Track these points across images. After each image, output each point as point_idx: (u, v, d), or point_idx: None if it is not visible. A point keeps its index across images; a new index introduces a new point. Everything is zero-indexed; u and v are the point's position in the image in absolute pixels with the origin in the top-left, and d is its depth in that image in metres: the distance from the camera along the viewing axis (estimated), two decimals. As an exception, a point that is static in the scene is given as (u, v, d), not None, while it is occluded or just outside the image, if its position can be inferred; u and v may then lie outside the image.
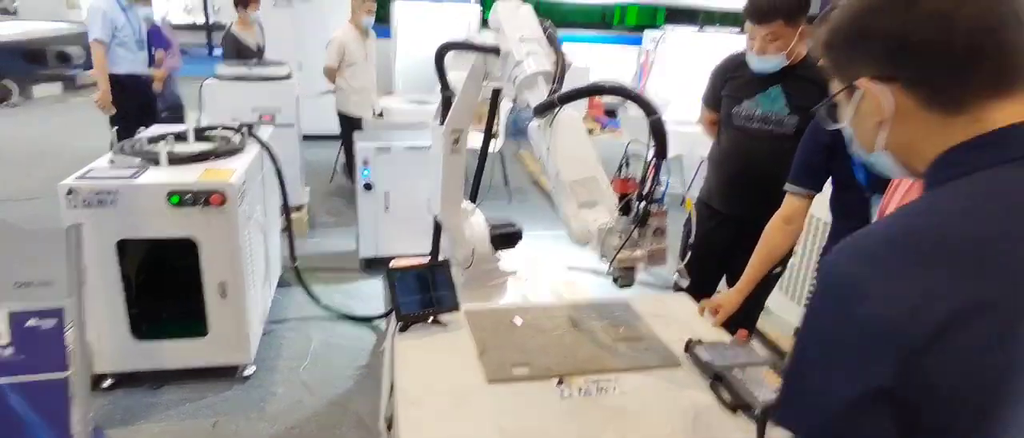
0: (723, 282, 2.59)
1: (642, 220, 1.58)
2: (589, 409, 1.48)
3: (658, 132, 1.52)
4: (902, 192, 1.26)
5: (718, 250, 2.52)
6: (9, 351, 1.68)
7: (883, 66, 0.82)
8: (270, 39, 5.65)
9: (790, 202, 1.96)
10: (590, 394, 1.54)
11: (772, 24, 2.12)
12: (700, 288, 2.59)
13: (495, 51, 1.97)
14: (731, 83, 2.36)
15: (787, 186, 1.95)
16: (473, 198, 2.74)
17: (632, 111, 5.74)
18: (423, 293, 1.82)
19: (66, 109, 8.92)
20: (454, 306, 1.83)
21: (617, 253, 1.61)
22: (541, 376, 1.60)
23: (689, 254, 1.64)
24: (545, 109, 1.76)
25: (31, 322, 1.69)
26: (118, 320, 2.55)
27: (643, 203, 1.57)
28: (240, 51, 5.15)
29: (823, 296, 0.78)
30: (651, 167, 1.54)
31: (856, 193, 1.81)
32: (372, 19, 5.08)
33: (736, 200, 2.34)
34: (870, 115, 0.85)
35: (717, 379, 1.55)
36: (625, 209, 1.62)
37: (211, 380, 2.74)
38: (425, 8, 7.70)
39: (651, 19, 10.70)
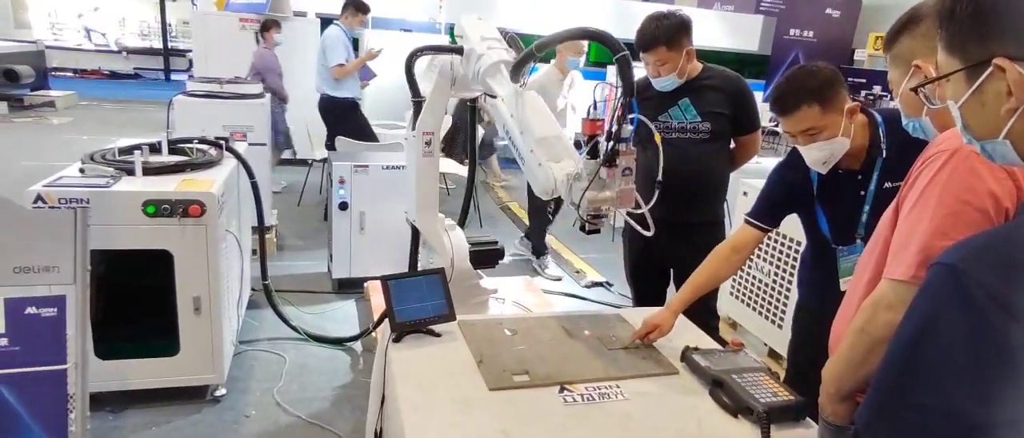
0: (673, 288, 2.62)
1: (610, 160, 1.58)
2: (594, 415, 1.48)
3: (624, 70, 1.55)
4: (914, 198, 1.11)
5: (657, 260, 2.62)
6: (3, 341, 1.55)
7: None
8: (241, 65, 5.58)
9: (743, 233, 1.92)
10: (593, 400, 1.54)
11: (656, 51, 2.34)
12: (647, 299, 2.64)
13: (459, 51, 2.11)
14: (643, 104, 2.47)
15: (745, 217, 1.92)
16: (461, 223, 2.74)
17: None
18: (418, 302, 1.79)
19: (11, 129, 8.53)
20: (450, 315, 1.81)
21: (583, 194, 1.60)
22: (542, 383, 1.59)
23: (656, 194, 1.63)
24: (522, 64, 1.82)
25: (29, 310, 1.58)
26: (81, 338, 2.41)
27: (611, 143, 1.57)
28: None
29: (952, 307, 0.68)
30: (619, 106, 1.56)
31: (822, 243, 1.80)
32: (578, 60, 4.30)
33: (667, 205, 2.41)
34: (998, 99, 0.74)
35: (717, 384, 1.57)
36: (593, 151, 1.62)
37: (179, 402, 2.61)
38: (393, 37, 7.76)
39: (610, 56, 11.11)
